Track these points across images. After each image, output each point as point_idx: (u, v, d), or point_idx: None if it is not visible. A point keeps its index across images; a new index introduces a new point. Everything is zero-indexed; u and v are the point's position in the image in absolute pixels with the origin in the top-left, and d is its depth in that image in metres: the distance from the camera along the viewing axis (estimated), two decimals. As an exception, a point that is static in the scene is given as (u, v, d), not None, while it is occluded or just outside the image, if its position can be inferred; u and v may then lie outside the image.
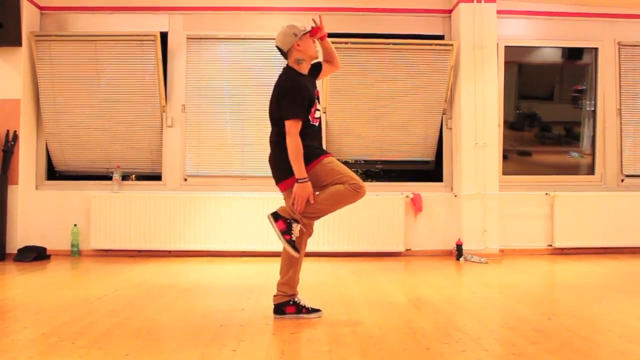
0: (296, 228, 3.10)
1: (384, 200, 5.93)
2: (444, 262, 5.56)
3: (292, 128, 3.02)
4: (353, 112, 6.14)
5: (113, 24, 6.13)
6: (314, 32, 3.30)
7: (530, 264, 5.41)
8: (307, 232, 3.21)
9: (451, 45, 6.01)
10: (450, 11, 6.27)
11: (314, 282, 4.42)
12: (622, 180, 6.35)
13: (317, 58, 3.33)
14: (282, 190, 3.21)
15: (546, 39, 6.37)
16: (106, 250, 5.88)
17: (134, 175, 6.39)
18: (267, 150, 3.29)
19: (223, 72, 6.16)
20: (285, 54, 3.26)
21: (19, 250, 5.63)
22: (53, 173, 6.22)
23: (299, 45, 3.22)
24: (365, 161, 6.49)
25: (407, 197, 6.01)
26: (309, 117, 3.14)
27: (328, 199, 3.13)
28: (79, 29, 6.10)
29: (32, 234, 5.85)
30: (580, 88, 6.58)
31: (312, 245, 5.81)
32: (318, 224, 5.84)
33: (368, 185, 6.38)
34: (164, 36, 6.06)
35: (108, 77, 6.01)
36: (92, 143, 6.09)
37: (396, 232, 5.91)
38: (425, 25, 6.32)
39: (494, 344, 2.65)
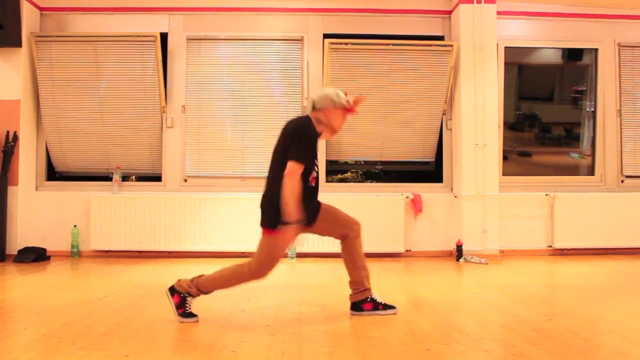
0: (190, 301, 3.15)
1: (384, 201, 5.93)
2: (444, 263, 5.56)
3: (296, 170, 2.96)
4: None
5: (113, 25, 6.13)
6: (350, 110, 3.25)
7: (530, 265, 5.41)
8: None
9: (451, 46, 6.01)
10: (450, 12, 6.27)
11: (314, 282, 4.43)
12: (622, 181, 6.35)
13: (337, 132, 3.29)
14: (264, 234, 3.14)
15: (546, 39, 6.38)
16: (106, 251, 5.88)
17: (134, 176, 6.40)
18: (267, 150, 3.28)
19: (223, 72, 6.16)
20: (313, 107, 3.22)
21: (19, 251, 5.63)
22: (53, 174, 6.22)
23: (329, 112, 3.18)
24: (366, 162, 6.49)
25: (407, 197, 6.01)
26: (309, 176, 3.12)
27: (221, 282, 3.15)
28: (79, 30, 6.11)
29: (32, 235, 5.85)
30: (580, 89, 6.58)
31: (312, 245, 5.86)
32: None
33: (368, 186, 6.44)
34: (164, 37, 6.07)
35: (108, 77, 6.01)
36: (92, 144, 6.09)
37: (396, 232, 5.91)
38: (425, 26, 6.33)
39: (494, 345, 2.65)
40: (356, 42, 6.02)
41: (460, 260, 5.68)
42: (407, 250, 6.00)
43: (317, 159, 3.22)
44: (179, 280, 3.19)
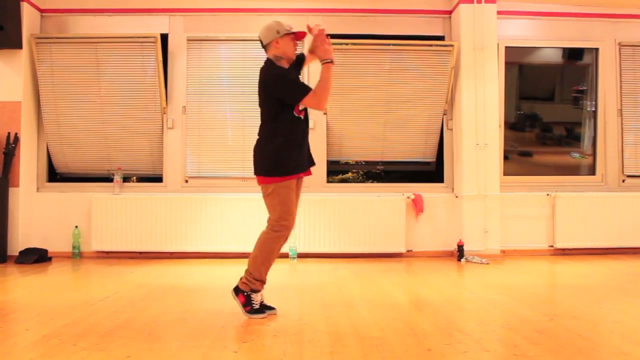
0: (255, 297, 3.21)
1: (385, 201, 5.93)
2: (445, 263, 5.56)
3: (311, 100, 3.16)
4: (353, 113, 6.14)
5: (113, 26, 6.14)
6: (299, 35, 3.30)
7: (532, 265, 5.41)
8: (285, 234, 3.23)
9: (451, 46, 6.01)
10: (450, 12, 6.27)
11: (315, 283, 4.43)
12: (623, 181, 6.35)
13: (293, 60, 3.35)
14: (259, 183, 3.26)
15: (547, 39, 6.37)
16: (107, 252, 5.88)
17: (135, 177, 6.40)
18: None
19: (223, 73, 6.16)
20: (264, 47, 3.31)
21: (21, 252, 5.63)
22: (54, 175, 6.23)
23: (277, 42, 3.26)
24: (366, 162, 6.49)
25: (408, 198, 6.01)
26: (292, 110, 3.19)
27: (260, 256, 3.21)
28: (79, 31, 6.11)
29: (33, 236, 5.85)
30: (581, 88, 6.58)
31: (313, 246, 5.86)
32: (319, 225, 5.86)
33: (369, 186, 6.43)
34: (164, 38, 6.06)
35: (108, 79, 6.01)
36: (92, 145, 6.10)
37: (397, 233, 5.91)
38: (426, 26, 6.32)
39: (495, 345, 2.65)
40: (357, 42, 6.02)
41: (462, 260, 5.68)
42: (408, 251, 6.00)
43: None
44: (241, 279, 3.26)
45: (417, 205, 6.00)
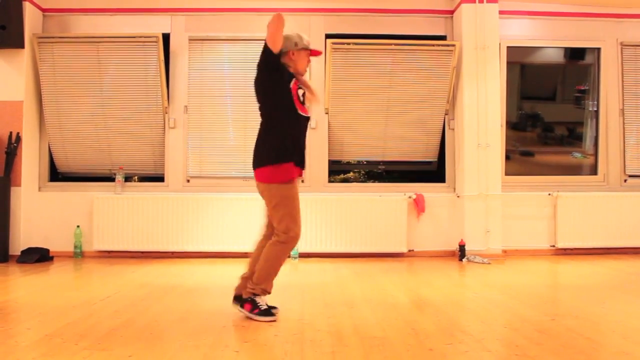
0: (261, 299, 3.18)
1: (387, 201, 5.93)
2: (447, 263, 5.56)
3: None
4: (355, 113, 6.14)
5: (115, 26, 6.14)
6: (315, 53, 3.33)
7: (533, 265, 5.40)
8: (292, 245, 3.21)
9: (453, 45, 6.00)
10: (452, 12, 6.27)
11: (316, 282, 4.43)
12: (625, 181, 6.34)
13: (303, 75, 3.34)
14: (257, 179, 3.22)
15: (548, 39, 6.36)
16: (109, 252, 5.89)
17: (136, 177, 6.40)
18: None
19: (225, 73, 6.17)
20: (278, 54, 3.27)
21: (22, 252, 5.64)
22: (56, 174, 6.23)
23: (293, 54, 3.25)
24: (368, 162, 6.48)
25: (409, 197, 6.01)
26: (295, 104, 3.16)
27: (267, 267, 3.18)
28: (81, 31, 6.11)
29: (35, 235, 5.86)
30: (582, 88, 6.57)
31: (314, 246, 5.86)
32: (321, 225, 5.86)
33: (371, 186, 6.43)
34: (166, 37, 6.07)
35: (110, 78, 6.02)
36: (94, 144, 6.10)
37: (399, 232, 5.91)
38: (428, 26, 6.32)
39: (496, 345, 2.65)
40: (358, 42, 6.02)
41: (463, 260, 5.67)
42: (409, 250, 6.00)
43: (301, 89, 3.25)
44: (237, 288, 3.27)
45: (418, 205, 6.00)
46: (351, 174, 6.94)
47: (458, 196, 6.08)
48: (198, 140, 6.16)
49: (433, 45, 6.08)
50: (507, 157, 6.32)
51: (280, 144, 3.15)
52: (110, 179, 6.12)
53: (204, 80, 6.17)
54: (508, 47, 6.26)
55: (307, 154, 6.00)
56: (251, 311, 3.15)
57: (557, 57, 6.62)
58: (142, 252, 5.88)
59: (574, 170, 6.56)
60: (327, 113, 6.10)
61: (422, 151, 6.28)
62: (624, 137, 6.34)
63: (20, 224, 5.80)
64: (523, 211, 6.12)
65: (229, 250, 5.78)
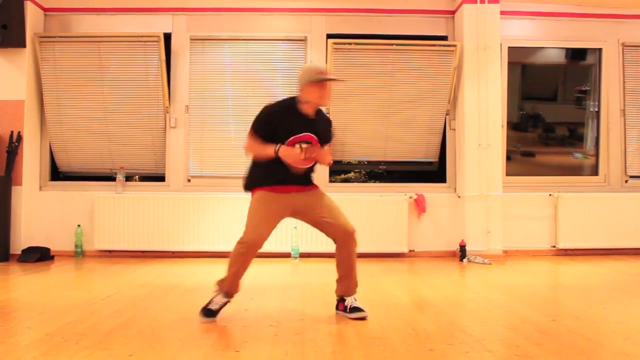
0: (218, 299, 3.22)
1: (387, 201, 5.93)
2: (448, 263, 5.56)
3: (247, 140, 3.28)
4: (356, 113, 6.14)
5: (116, 25, 6.14)
6: (325, 84, 3.27)
7: (534, 265, 5.40)
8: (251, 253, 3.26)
9: (454, 46, 6.00)
10: (453, 12, 6.27)
11: (317, 283, 4.43)
12: (626, 181, 6.34)
13: (322, 105, 3.34)
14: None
15: (550, 39, 6.36)
16: (110, 251, 5.89)
17: (137, 176, 6.40)
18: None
19: (226, 73, 6.17)
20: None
21: (23, 251, 5.64)
22: (57, 174, 6.24)
23: (304, 89, 3.24)
24: (369, 162, 6.48)
25: (410, 197, 6.01)
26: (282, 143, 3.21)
27: (228, 266, 3.26)
28: (82, 30, 6.12)
29: (35, 234, 5.86)
30: (583, 89, 6.57)
31: (315, 245, 5.85)
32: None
33: (372, 186, 6.43)
34: (167, 37, 6.07)
35: (111, 78, 6.02)
36: (95, 144, 6.10)
37: (399, 233, 5.91)
38: (429, 26, 6.32)
39: (497, 345, 2.64)
40: (360, 42, 6.02)
41: (464, 260, 5.67)
42: (410, 251, 6.00)
43: (303, 136, 3.24)
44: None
45: (419, 205, 5.99)
46: (352, 174, 6.94)
47: (459, 196, 6.08)
48: (199, 139, 6.16)
49: (434, 45, 6.08)
50: (508, 158, 6.32)
51: (254, 174, 3.37)
52: (111, 178, 6.13)
53: (205, 80, 6.17)
54: (509, 47, 6.25)
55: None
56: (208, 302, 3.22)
57: (558, 57, 6.61)
58: (143, 252, 5.88)
59: (574, 170, 6.56)
60: (328, 113, 6.10)
61: (423, 151, 6.28)
62: (625, 137, 6.34)
63: (21, 223, 5.80)
64: (524, 211, 6.11)
65: (230, 250, 5.74)
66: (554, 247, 6.09)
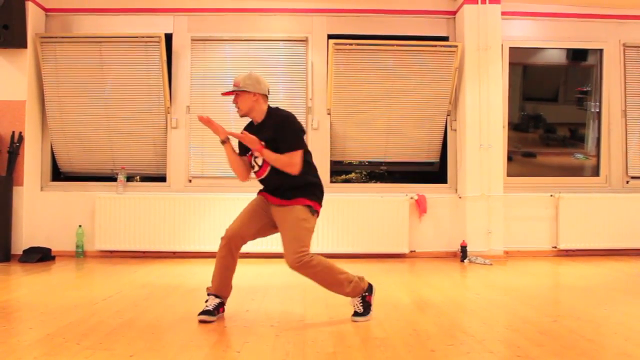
0: (210, 300, 3.22)
1: (388, 201, 5.93)
2: (449, 264, 5.55)
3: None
4: (357, 113, 6.14)
5: (118, 26, 6.15)
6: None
7: (535, 266, 5.40)
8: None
9: (456, 46, 6.00)
10: (454, 12, 6.27)
11: (318, 283, 4.42)
12: (628, 182, 6.33)
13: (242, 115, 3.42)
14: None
15: (551, 40, 6.36)
16: (111, 251, 5.89)
17: (138, 177, 6.40)
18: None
19: (227, 73, 6.17)
20: (239, 91, 3.35)
21: (24, 251, 5.65)
22: (58, 174, 6.24)
23: (257, 97, 3.32)
24: (370, 162, 6.48)
25: (411, 198, 6.00)
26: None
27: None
28: (84, 31, 6.12)
29: (37, 235, 5.87)
30: (585, 89, 6.57)
31: (316, 246, 5.84)
32: (322, 225, 5.86)
33: (372, 186, 6.43)
34: (168, 38, 6.08)
35: (113, 78, 6.03)
36: (96, 144, 6.11)
37: (400, 233, 5.91)
38: (430, 27, 6.32)
39: (498, 346, 2.64)
40: (361, 43, 6.02)
41: (465, 261, 5.67)
42: (411, 251, 5.99)
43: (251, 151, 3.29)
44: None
45: (420, 205, 5.99)
46: (353, 174, 6.94)
47: (460, 197, 6.07)
48: (200, 140, 6.16)
49: (435, 46, 6.07)
50: (509, 158, 6.32)
51: None
52: (112, 178, 6.13)
53: (206, 80, 6.17)
54: (510, 48, 6.25)
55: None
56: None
57: (559, 58, 6.61)
58: (144, 252, 5.89)
59: (576, 171, 6.55)
60: (329, 114, 6.10)
61: (424, 152, 6.28)
62: (626, 138, 6.34)
63: (23, 223, 5.81)
64: (525, 212, 6.11)
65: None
66: (555, 247, 6.08)
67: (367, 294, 3.19)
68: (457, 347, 2.62)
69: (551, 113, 6.74)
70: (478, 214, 5.90)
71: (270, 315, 3.28)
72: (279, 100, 6.08)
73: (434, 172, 6.40)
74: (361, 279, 3.19)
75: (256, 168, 3.26)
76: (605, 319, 3.18)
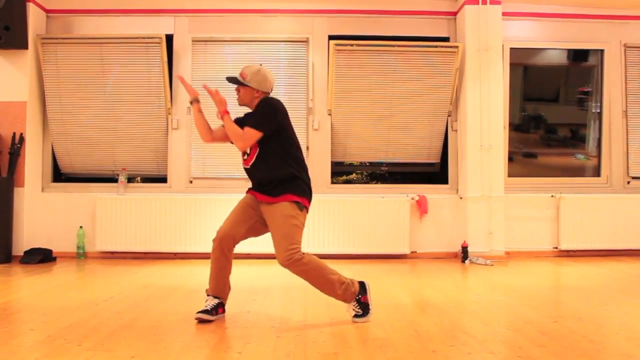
0: (208, 300, 3.23)
1: (389, 202, 5.93)
2: (450, 265, 5.55)
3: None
4: (358, 114, 6.14)
5: (119, 27, 6.15)
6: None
7: (536, 266, 5.40)
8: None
9: (456, 47, 6.00)
10: (455, 13, 6.27)
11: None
12: (628, 182, 6.33)
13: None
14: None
15: (552, 40, 6.36)
16: (112, 252, 5.89)
17: (139, 178, 6.41)
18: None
19: (228, 74, 6.13)
20: (242, 84, 3.46)
21: (25, 252, 5.65)
22: (59, 175, 6.24)
23: (257, 92, 3.42)
24: (371, 163, 6.48)
25: (412, 199, 6.00)
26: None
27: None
28: (84, 32, 6.13)
29: (38, 236, 5.87)
30: (586, 90, 6.56)
31: (317, 247, 5.85)
32: (323, 226, 5.86)
33: (373, 187, 6.43)
34: (169, 39, 6.08)
35: (114, 79, 6.03)
36: (97, 145, 6.11)
37: (401, 234, 5.90)
38: (431, 27, 6.32)
39: (500, 347, 2.64)
40: (361, 44, 6.02)
41: (466, 261, 5.67)
42: (412, 252, 5.99)
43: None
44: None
45: (421, 206, 5.99)
46: (354, 175, 6.94)
47: (461, 198, 6.07)
48: (201, 141, 6.13)
49: (436, 46, 6.07)
50: (510, 159, 6.32)
51: None
52: (113, 179, 6.13)
53: (207, 81, 6.12)
54: (511, 48, 6.25)
55: (310, 154, 5.97)
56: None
57: (560, 58, 6.61)
58: (145, 253, 5.89)
59: (577, 172, 6.55)
60: (330, 114, 6.11)
61: (424, 152, 6.28)
62: (627, 138, 6.33)
63: (24, 224, 5.81)
64: (526, 213, 6.11)
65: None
66: (556, 248, 6.08)
67: (360, 295, 3.18)
68: (458, 348, 2.62)
69: (552, 113, 6.74)
70: (479, 214, 5.90)
71: (271, 316, 3.28)
72: (280, 100, 6.07)
73: (434, 172, 6.40)
74: (352, 282, 3.18)
75: (245, 156, 3.28)
76: (606, 320, 3.18)
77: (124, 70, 6.01)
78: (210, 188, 6.09)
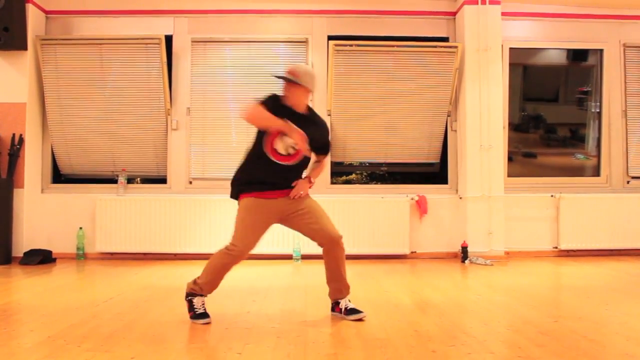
0: (198, 302, 3.19)
1: (389, 202, 5.93)
2: (449, 265, 5.55)
3: (251, 109, 3.09)
4: (358, 114, 6.14)
5: (118, 28, 6.15)
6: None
7: (536, 266, 5.39)
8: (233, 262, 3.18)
9: (456, 47, 6.00)
10: (454, 13, 6.27)
11: (319, 284, 4.41)
12: (628, 182, 6.33)
13: (299, 110, 3.23)
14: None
15: (551, 40, 6.36)
16: (112, 253, 5.89)
17: (139, 179, 6.40)
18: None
19: (228, 75, 6.17)
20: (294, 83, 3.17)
21: (25, 254, 5.65)
22: (58, 176, 6.24)
23: (289, 88, 3.19)
24: (370, 163, 6.48)
25: (412, 199, 6.00)
26: (264, 147, 3.15)
27: (208, 269, 3.19)
28: (84, 33, 6.13)
29: (37, 237, 5.87)
30: (585, 90, 6.57)
31: (316, 247, 5.82)
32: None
33: (373, 187, 6.43)
34: (168, 39, 6.09)
35: (113, 80, 6.03)
36: (97, 146, 6.11)
37: (401, 234, 5.90)
38: (430, 28, 6.32)
39: (499, 347, 2.64)
40: (361, 44, 6.02)
41: (466, 261, 5.67)
42: (412, 252, 5.99)
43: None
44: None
45: (421, 206, 5.99)
46: (354, 175, 6.94)
47: (460, 198, 6.07)
48: (200, 141, 6.16)
49: (435, 46, 6.07)
50: (510, 159, 6.32)
51: (242, 179, 3.36)
52: (112, 180, 6.13)
53: (206, 81, 6.17)
54: (510, 48, 6.25)
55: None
56: (189, 312, 3.18)
57: (559, 58, 6.61)
58: (145, 254, 5.89)
59: (576, 171, 6.55)
60: (329, 114, 6.10)
61: (424, 153, 6.28)
62: (626, 138, 6.34)
63: (23, 225, 5.81)
64: (525, 213, 6.11)
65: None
66: (556, 248, 6.08)
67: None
68: (458, 348, 2.62)
69: (551, 113, 6.74)
70: (479, 214, 5.90)
71: (271, 317, 3.28)
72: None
73: (434, 172, 6.40)
74: None
75: (291, 151, 3.13)
76: (606, 319, 3.18)
77: (123, 71, 6.02)
78: (210, 189, 6.09)
